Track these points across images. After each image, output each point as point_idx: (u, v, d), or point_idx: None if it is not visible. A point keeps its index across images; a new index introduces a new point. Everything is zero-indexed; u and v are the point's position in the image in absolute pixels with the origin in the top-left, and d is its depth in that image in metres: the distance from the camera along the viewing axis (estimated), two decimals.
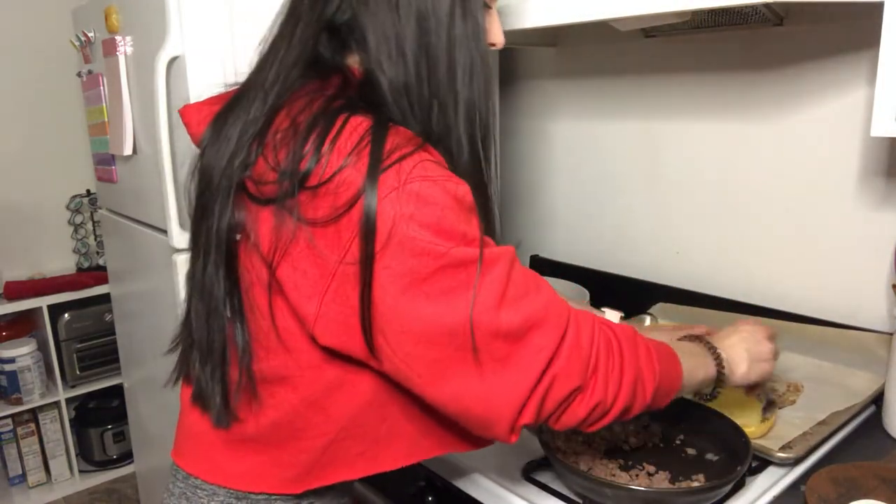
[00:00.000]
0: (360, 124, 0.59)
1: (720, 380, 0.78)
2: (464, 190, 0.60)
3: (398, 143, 0.59)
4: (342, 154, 0.58)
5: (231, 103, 0.70)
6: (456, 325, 0.57)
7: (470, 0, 0.66)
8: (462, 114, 0.66)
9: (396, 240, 0.56)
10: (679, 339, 0.81)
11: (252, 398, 0.68)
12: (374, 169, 0.57)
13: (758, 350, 0.82)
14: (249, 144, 0.63)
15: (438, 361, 0.59)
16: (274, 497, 0.71)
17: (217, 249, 0.65)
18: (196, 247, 0.70)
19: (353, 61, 0.68)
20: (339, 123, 0.59)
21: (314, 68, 0.67)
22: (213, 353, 0.69)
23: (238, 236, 0.65)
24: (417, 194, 0.57)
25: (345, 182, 0.57)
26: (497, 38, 0.75)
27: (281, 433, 0.68)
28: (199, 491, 0.72)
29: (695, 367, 0.74)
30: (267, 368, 0.67)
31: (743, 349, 0.81)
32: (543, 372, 0.60)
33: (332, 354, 0.65)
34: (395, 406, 0.69)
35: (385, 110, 0.64)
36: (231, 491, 0.71)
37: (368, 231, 0.56)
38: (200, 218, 0.69)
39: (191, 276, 0.72)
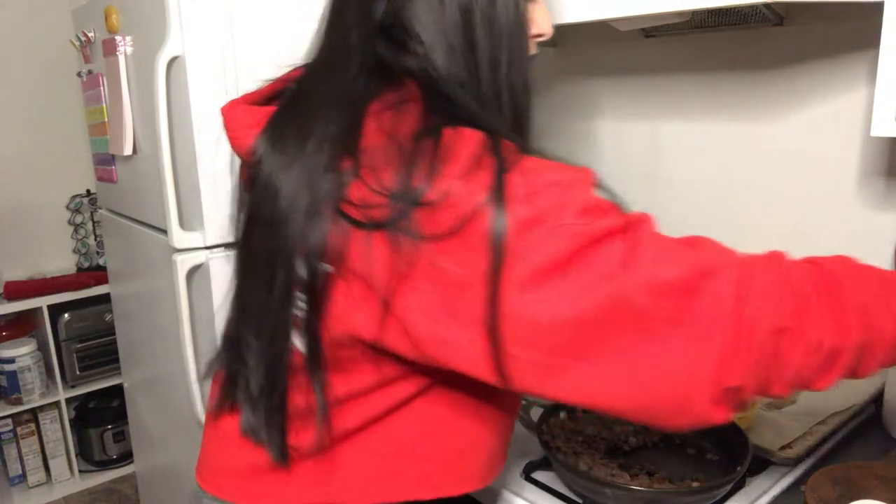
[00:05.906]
0: (470, 136, 0.56)
1: None
2: (587, 169, 0.58)
3: (510, 150, 0.57)
4: (461, 168, 0.54)
5: (289, 109, 0.65)
6: (616, 295, 0.51)
7: None
8: (507, 110, 0.65)
9: (536, 234, 0.52)
10: None
11: (320, 425, 0.64)
12: (499, 176, 0.53)
13: None
14: (338, 163, 0.57)
15: (606, 344, 0.52)
16: None
17: (292, 273, 0.59)
18: (251, 264, 0.64)
19: (412, 61, 0.64)
20: (446, 137, 0.55)
21: (382, 74, 0.62)
22: (275, 384, 0.64)
23: (329, 266, 0.57)
24: (546, 186, 0.54)
25: (467, 194, 0.53)
26: (544, 28, 0.71)
27: (339, 449, 0.65)
28: None
29: None
30: (341, 395, 0.63)
31: None
32: (735, 319, 0.51)
33: (414, 370, 0.62)
34: (465, 421, 0.67)
35: (479, 120, 0.60)
36: None
37: (498, 237, 0.52)
38: (261, 234, 0.62)
39: (241, 297, 0.67)
